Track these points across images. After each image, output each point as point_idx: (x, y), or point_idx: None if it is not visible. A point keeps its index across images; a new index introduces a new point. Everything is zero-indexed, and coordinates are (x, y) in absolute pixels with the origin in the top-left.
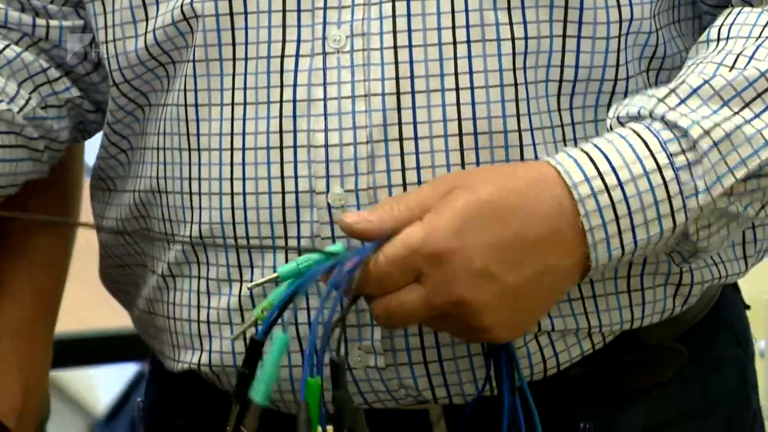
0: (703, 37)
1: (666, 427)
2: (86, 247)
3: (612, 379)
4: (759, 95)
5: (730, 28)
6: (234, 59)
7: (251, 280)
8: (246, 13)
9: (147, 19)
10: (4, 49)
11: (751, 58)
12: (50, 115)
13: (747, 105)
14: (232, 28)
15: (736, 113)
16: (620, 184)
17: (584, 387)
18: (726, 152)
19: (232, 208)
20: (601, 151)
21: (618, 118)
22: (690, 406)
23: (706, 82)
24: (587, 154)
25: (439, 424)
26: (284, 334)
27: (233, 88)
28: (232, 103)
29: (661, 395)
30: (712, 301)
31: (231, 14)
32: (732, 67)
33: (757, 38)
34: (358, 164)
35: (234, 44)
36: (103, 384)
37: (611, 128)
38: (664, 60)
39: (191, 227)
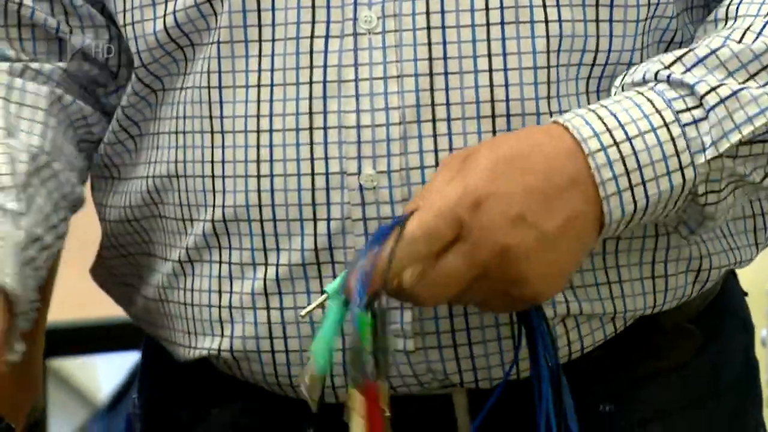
0: (711, 16)
1: (680, 411)
2: (87, 234)
3: (631, 363)
4: (764, 68)
5: (738, 7)
6: (260, 40)
7: (277, 264)
8: None
9: (166, 1)
10: (53, 99)
11: (759, 34)
12: (87, 160)
13: (752, 77)
14: (259, 9)
15: (741, 84)
16: (629, 138)
17: (605, 370)
18: (733, 109)
19: (258, 191)
20: (608, 109)
21: (623, 86)
22: (703, 391)
23: (712, 52)
24: (594, 111)
25: (463, 408)
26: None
27: (259, 70)
28: (258, 85)
29: (678, 378)
30: (717, 286)
31: None
32: (740, 41)
33: (766, 15)
34: (390, 145)
35: (260, 25)
36: (105, 373)
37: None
38: (681, 46)
39: (213, 211)
